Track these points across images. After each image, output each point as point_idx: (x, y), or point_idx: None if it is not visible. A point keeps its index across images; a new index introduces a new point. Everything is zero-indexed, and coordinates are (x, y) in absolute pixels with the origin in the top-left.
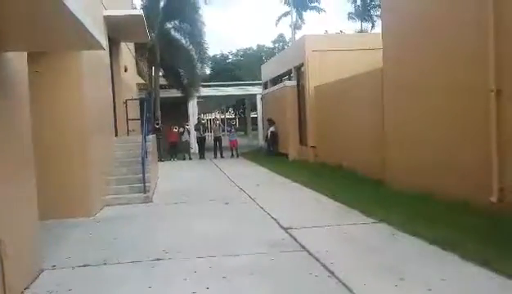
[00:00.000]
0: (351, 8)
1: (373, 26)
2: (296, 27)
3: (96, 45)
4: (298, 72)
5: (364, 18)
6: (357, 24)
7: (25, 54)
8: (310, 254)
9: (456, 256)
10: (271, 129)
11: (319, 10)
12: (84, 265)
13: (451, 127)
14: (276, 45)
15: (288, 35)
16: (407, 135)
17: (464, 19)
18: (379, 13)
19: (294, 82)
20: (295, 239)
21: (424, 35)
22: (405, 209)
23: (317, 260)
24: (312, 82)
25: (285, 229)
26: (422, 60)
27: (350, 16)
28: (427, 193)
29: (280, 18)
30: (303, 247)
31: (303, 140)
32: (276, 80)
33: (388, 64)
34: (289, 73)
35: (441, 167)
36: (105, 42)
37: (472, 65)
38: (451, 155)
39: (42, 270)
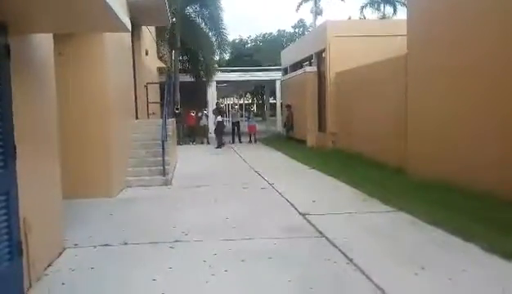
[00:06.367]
0: None
1: (394, 12)
2: (317, 12)
3: (121, 27)
4: (319, 58)
5: (383, 5)
6: (377, 11)
7: (51, 36)
8: (328, 240)
9: (478, 247)
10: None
11: None
12: (105, 245)
13: (477, 116)
14: (297, 30)
15: (308, 20)
16: (431, 122)
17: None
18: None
19: (314, 68)
20: (313, 225)
21: (453, 19)
22: (426, 198)
23: (336, 246)
24: (332, 68)
25: (304, 214)
26: (449, 46)
27: (363, 7)
28: (449, 182)
29: (301, 3)
30: (321, 233)
31: (322, 127)
32: (296, 66)
33: (413, 50)
34: (309, 58)
35: (465, 157)
36: (130, 24)
37: (503, 52)
38: (476, 144)
39: (65, 248)
